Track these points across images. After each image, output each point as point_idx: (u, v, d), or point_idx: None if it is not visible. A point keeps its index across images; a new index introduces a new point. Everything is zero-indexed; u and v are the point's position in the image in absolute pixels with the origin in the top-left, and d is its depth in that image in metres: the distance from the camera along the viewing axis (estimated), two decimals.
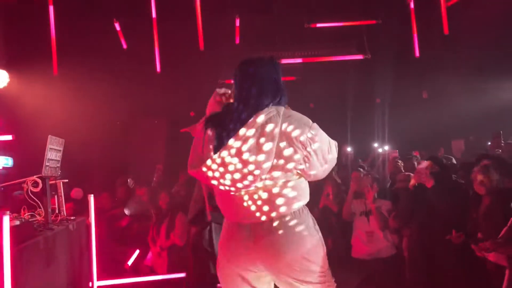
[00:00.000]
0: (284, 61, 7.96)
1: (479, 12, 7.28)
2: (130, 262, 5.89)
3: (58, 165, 3.67)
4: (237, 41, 7.74)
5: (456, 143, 6.91)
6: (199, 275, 3.64)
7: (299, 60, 8.21)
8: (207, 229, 3.69)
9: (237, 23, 7.59)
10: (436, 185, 4.11)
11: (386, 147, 7.04)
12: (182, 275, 5.29)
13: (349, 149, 7.66)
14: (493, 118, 7.25)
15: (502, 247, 3.05)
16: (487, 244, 3.16)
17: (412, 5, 7.58)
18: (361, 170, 5.33)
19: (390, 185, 5.34)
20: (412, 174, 4.99)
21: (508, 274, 3.17)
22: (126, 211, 6.10)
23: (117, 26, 7.58)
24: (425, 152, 6.81)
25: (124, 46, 7.88)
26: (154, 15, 7.52)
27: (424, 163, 4.37)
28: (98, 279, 4.44)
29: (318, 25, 7.94)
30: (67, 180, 4.19)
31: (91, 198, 4.34)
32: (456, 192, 4.05)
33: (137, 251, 6.02)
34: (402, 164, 5.59)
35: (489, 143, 6.50)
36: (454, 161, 5.93)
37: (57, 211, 3.80)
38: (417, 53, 7.80)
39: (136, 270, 5.94)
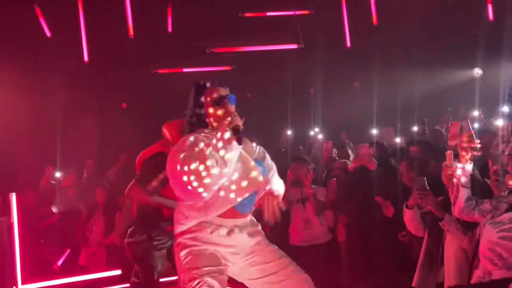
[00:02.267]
0: (218, 50, 7.87)
1: (407, 3, 7.59)
2: (59, 263, 5.58)
3: None
4: (170, 29, 7.52)
5: (386, 130, 7.18)
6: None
7: (233, 50, 8.15)
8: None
9: (170, 11, 7.37)
10: (378, 168, 4.28)
11: (320, 136, 7.17)
12: (117, 272, 5.10)
13: (289, 132, 7.72)
14: (419, 106, 7.60)
15: (433, 204, 3.10)
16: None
17: None
18: (300, 159, 5.38)
19: (325, 175, 5.43)
20: (348, 161, 5.16)
21: (426, 239, 3.32)
22: (54, 209, 5.77)
23: (39, 13, 7.10)
24: (354, 135, 7.05)
25: (48, 34, 7.41)
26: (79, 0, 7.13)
27: (366, 147, 4.54)
28: (23, 283, 4.17)
29: (252, 14, 7.90)
30: None
31: (13, 197, 4.07)
32: (395, 176, 4.21)
33: (68, 251, 5.73)
34: (336, 152, 5.70)
35: (415, 130, 6.81)
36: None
37: None
38: (348, 44, 8.00)
39: (68, 270, 5.65)
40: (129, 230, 3.46)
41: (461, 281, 2.89)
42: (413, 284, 3.35)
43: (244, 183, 2.44)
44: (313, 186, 4.81)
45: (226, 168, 2.34)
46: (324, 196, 4.82)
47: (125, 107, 9.01)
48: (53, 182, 6.36)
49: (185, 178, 2.28)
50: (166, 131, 3.19)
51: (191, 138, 2.46)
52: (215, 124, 2.57)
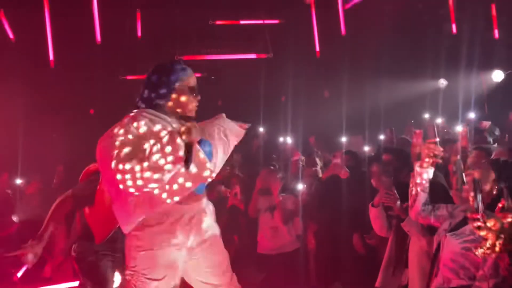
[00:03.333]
0: (188, 57, 7.82)
1: (375, 15, 7.76)
2: (19, 274, 5.37)
3: None
4: (139, 35, 7.44)
5: (354, 138, 7.29)
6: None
7: (203, 57, 8.13)
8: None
9: (139, 16, 7.29)
10: (350, 177, 4.33)
11: (289, 142, 7.22)
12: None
13: (261, 129, 7.75)
14: (386, 115, 7.76)
15: (401, 210, 3.19)
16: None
17: (313, 7, 7.86)
18: (270, 167, 5.37)
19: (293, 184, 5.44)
20: (318, 169, 5.20)
21: (390, 241, 3.38)
22: (14, 218, 5.56)
23: (1, 14, 6.90)
24: (323, 142, 7.13)
25: (11, 37, 7.20)
26: (45, 3, 6.95)
27: (340, 156, 4.59)
28: None
29: (222, 22, 7.91)
30: None
31: None
32: (366, 184, 4.27)
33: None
34: (304, 160, 5.73)
35: (382, 138, 6.94)
36: None
37: None
38: (318, 53, 8.10)
39: (30, 282, 5.45)
40: (74, 244, 3.42)
41: (424, 284, 2.94)
42: (376, 284, 3.40)
43: (188, 184, 2.26)
44: (282, 194, 4.81)
45: (165, 176, 2.16)
46: (292, 204, 4.82)
47: (93, 113, 8.84)
48: (8, 190, 6.13)
49: (119, 176, 2.13)
50: None
51: (134, 124, 2.25)
52: (178, 110, 2.41)
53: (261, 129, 7.83)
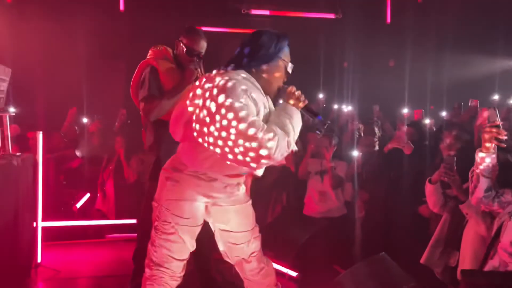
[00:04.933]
0: (252, 11, 7.69)
1: None
2: (78, 205, 5.74)
3: (2, 95, 3.42)
4: None
5: (416, 112, 7.03)
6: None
7: (266, 12, 7.95)
8: None
9: None
10: (414, 152, 4.21)
11: (349, 107, 7.04)
12: (132, 221, 5.22)
13: (320, 95, 7.62)
14: (452, 91, 7.40)
15: (457, 185, 3.09)
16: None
17: None
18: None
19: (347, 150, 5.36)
20: (375, 139, 5.08)
21: (444, 220, 3.30)
22: (77, 153, 5.89)
23: None
24: (384, 113, 6.92)
25: None
26: None
27: (405, 129, 4.45)
28: (43, 220, 4.30)
29: None
30: (13, 113, 3.96)
31: (40, 135, 4.16)
32: (427, 159, 4.15)
33: (88, 195, 5.88)
34: (362, 128, 5.60)
35: (446, 114, 6.65)
36: None
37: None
38: (389, 19, 7.73)
39: (85, 213, 5.82)
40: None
41: (476, 267, 2.85)
42: (421, 261, 3.34)
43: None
44: (334, 159, 4.76)
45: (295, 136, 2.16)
46: (343, 171, 4.77)
47: None
48: (75, 126, 6.45)
49: (248, 144, 1.94)
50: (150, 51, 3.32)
51: (243, 86, 1.99)
52: (275, 85, 2.22)
53: (320, 96, 7.67)
